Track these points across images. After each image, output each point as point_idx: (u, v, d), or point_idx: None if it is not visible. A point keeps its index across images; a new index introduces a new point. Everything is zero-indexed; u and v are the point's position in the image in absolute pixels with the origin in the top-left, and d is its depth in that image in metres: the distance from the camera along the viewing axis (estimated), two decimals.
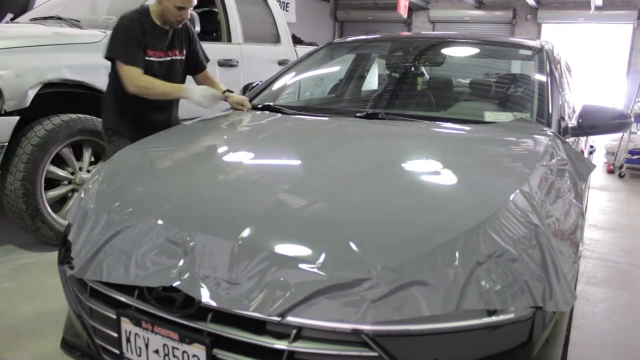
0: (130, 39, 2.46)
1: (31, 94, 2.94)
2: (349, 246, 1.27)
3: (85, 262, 1.48)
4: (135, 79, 2.45)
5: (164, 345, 1.34)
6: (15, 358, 2.09)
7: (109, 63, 3.37)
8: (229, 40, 4.45)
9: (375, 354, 1.17)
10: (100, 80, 3.30)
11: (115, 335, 1.43)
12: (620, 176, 6.46)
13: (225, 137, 2.19)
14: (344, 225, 1.36)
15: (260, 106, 2.57)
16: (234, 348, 1.26)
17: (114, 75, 2.58)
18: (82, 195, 1.77)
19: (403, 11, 9.70)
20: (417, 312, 1.16)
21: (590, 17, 11.28)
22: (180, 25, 2.62)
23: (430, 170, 1.71)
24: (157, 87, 2.49)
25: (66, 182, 3.28)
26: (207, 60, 2.88)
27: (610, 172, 6.69)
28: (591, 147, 3.80)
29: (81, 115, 3.23)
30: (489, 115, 2.29)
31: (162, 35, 2.57)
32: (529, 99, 2.44)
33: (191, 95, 2.49)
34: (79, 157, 3.33)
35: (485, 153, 1.89)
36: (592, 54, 11.93)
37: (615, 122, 2.18)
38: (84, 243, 1.54)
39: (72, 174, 3.28)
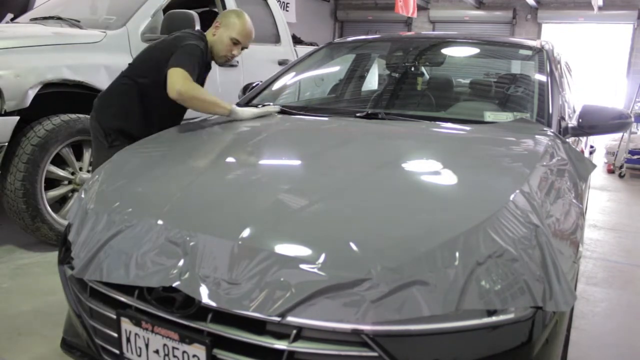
0: (199, 64, 2.33)
1: (31, 94, 2.94)
2: (349, 246, 1.26)
3: (85, 262, 1.48)
4: (188, 84, 2.22)
5: (164, 345, 1.34)
6: (15, 358, 2.09)
7: (109, 63, 3.38)
8: None
9: (375, 354, 1.17)
10: (100, 81, 3.31)
11: (115, 335, 1.43)
12: (620, 176, 6.46)
13: (225, 137, 2.19)
14: (344, 225, 1.36)
15: (260, 106, 2.57)
16: (234, 348, 1.26)
17: (152, 82, 2.37)
18: (83, 195, 1.77)
19: (403, 10, 9.65)
20: (417, 312, 1.16)
21: (590, 17, 11.29)
22: (224, 62, 2.55)
23: (430, 171, 1.71)
24: (206, 98, 2.27)
25: (66, 182, 3.28)
26: None
27: (610, 172, 6.69)
28: (591, 147, 3.80)
29: (81, 115, 3.23)
30: (489, 115, 2.29)
31: (204, 71, 2.48)
32: (529, 99, 2.44)
33: (243, 116, 2.33)
34: (79, 157, 3.33)
35: (485, 153, 1.89)
36: (592, 54, 11.93)
37: (615, 122, 2.18)
38: (84, 243, 1.54)
39: (72, 174, 3.28)
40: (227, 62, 2.55)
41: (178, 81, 2.20)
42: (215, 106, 2.27)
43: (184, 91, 2.19)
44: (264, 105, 2.54)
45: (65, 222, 2.50)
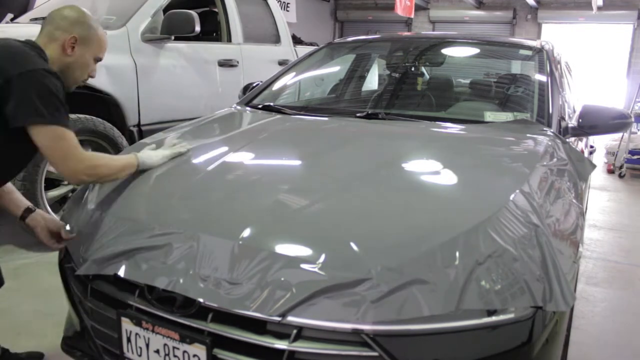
0: (63, 103, 1.60)
1: None
2: (349, 246, 1.27)
3: (84, 260, 1.48)
4: (91, 159, 1.63)
5: (165, 345, 1.34)
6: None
7: (109, 63, 3.32)
8: (229, 40, 4.45)
9: (375, 354, 1.17)
10: (100, 81, 3.31)
11: (116, 335, 1.43)
12: (620, 176, 6.46)
13: (225, 137, 2.19)
14: (344, 225, 1.36)
15: (260, 106, 2.57)
16: (234, 348, 1.26)
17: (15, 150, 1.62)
18: (84, 195, 1.78)
19: (401, 11, 9.64)
20: (417, 312, 1.16)
21: (590, 17, 11.28)
22: (74, 87, 1.79)
23: (430, 170, 1.71)
24: (113, 165, 1.67)
25: (66, 182, 3.28)
26: None
27: (610, 172, 6.69)
28: (591, 147, 3.80)
29: (81, 115, 3.23)
30: (489, 116, 2.29)
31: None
32: (529, 99, 2.44)
33: (151, 162, 1.77)
34: None
35: (485, 153, 1.89)
36: (592, 54, 11.93)
37: (615, 122, 2.18)
38: (84, 243, 1.54)
39: None
40: (82, 83, 1.82)
41: (78, 162, 1.56)
42: (123, 170, 1.69)
43: (92, 172, 1.59)
44: (264, 106, 2.54)
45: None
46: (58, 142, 1.55)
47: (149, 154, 1.79)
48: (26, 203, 1.84)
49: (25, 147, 1.60)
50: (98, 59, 1.80)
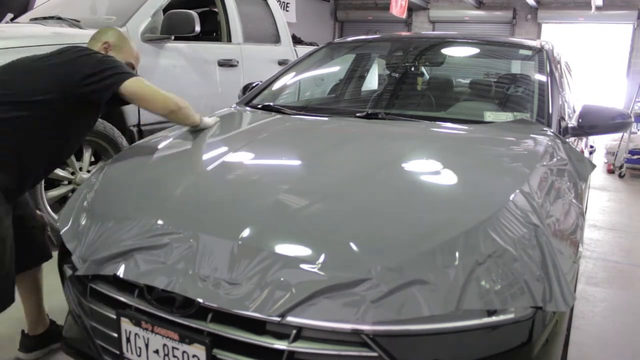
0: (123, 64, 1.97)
1: None
2: (349, 246, 1.27)
3: (84, 261, 1.48)
4: (173, 96, 1.98)
5: (164, 345, 1.34)
6: (16, 358, 2.09)
7: None
8: (229, 40, 4.45)
9: (375, 354, 1.17)
10: None
11: (115, 335, 1.43)
12: (620, 176, 6.46)
13: (225, 137, 2.19)
14: (344, 226, 1.36)
15: (260, 106, 2.57)
16: (234, 348, 1.26)
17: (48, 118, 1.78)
18: (83, 195, 1.77)
19: (396, 11, 9.64)
20: (417, 312, 1.16)
21: (590, 17, 11.28)
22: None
23: (430, 171, 1.71)
24: (189, 109, 2.07)
25: (66, 182, 3.28)
26: None
27: (610, 172, 6.69)
28: (591, 147, 3.80)
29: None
30: (489, 116, 2.29)
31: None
32: (529, 99, 2.44)
33: (207, 122, 2.19)
34: (79, 157, 3.33)
35: (485, 153, 1.89)
36: (592, 54, 11.93)
37: (615, 122, 2.18)
38: (83, 242, 1.54)
39: (72, 174, 3.28)
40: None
41: (160, 94, 1.93)
42: (193, 118, 2.09)
43: (179, 103, 2.00)
44: (264, 106, 2.54)
45: None
46: (146, 85, 1.91)
47: (207, 119, 2.20)
48: None
49: (88, 118, 1.95)
50: (129, 65, 2.13)
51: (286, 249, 1.29)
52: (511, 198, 1.43)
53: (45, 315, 2.18)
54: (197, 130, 2.23)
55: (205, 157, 1.89)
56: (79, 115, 1.86)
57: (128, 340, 1.40)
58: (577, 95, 3.68)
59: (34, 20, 3.83)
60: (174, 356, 1.33)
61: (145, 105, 1.93)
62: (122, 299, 1.41)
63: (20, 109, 1.72)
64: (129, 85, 1.84)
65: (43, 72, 1.80)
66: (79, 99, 1.81)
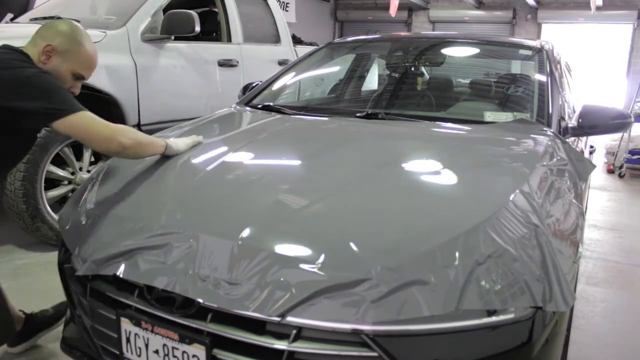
0: (66, 90, 1.66)
1: None
2: (349, 246, 1.27)
3: (84, 261, 1.48)
4: (124, 130, 1.67)
5: (164, 345, 1.34)
6: (15, 358, 2.09)
7: (109, 63, 3.30)
8: (229, 40, 4.45)
9: (375, 354, 1.17)
10: (100, 81, 3.31)
11: (115, 335, 1.42)
12: (620, 176, 6.46)
13: (225, 137, 2.19)
14: (344, 226, 1.36)
15: (260, 106, 2.57)
16: (233, 348, 1.26)
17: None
18: (83, 195, 1.77)
19: (392, 11, 9.71)
20: (417, 312, 1.16)
21: (590, 17, 11.28)
22: None
23: (430, 171, 1.71)
24: (144, 138, 1.74)
25: (66, 182, 3.28)
26: None
27: (610, 172, 6.69)
28: (591, 147, 3.80)
29: None
30: (489, 116, 2.29)
31: None
32: (529, 99, 2.44)
33: (177, 148, 1.86)
34: (79, 157, 3.33)
35: (485, 153, 1.89)
36: (592, 54, 11.93)
37: (615, 122, 2.18)
38: (83, 243, 1.54)
39: (72, 174, 3.28)
40: None
41: (114, 134, 1.61)
42: (152, 144, 1.77)
43: (130, 142, 1.65)
44: (264, 106, 2.54)
45: None
46: (89, 120, 1.59)
47: (174, 141, 1.86)
48: None
49: (21, 140, 1.68)
50: (79, 76, 1.74)
51: (286, 249, 1.29)
52: (511, 198, 1.43)
53: (16, 312, 2.09)
54: (196, 130, 2.23)
55: (205, 157, 1.89)
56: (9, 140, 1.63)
57: (128, 340, 1.40)
58: (577, 95, 3.68)
59: (34, 20, 3.83)
60: (174, 356, 1.33)
61: (89, 143, 1.68)
62: (122, 299, 1.41)
63: None
64: (62, 124, 1.55)
65: None
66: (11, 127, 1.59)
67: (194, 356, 1.29)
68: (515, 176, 1.61)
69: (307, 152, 1.93)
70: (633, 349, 2.43)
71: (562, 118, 2.25)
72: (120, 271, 1.39)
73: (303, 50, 5.01)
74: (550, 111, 2.21)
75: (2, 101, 1.50)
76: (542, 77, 2.46)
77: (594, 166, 2.10)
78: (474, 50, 3.02)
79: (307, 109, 2.60)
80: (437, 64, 3.18)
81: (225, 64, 4.29)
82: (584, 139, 2.82)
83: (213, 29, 4.69)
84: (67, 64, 1.69)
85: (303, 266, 1.23)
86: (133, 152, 1.69)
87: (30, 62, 1.62)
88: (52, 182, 3.25)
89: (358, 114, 2.31)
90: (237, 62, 4.39)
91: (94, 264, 1.45)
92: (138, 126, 3.65)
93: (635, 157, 6.50)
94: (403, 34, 6.64)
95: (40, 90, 1.54)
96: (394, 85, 2.90)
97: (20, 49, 1.66)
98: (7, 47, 1.64)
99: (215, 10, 4.69)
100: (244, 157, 1.89)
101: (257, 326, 1.23)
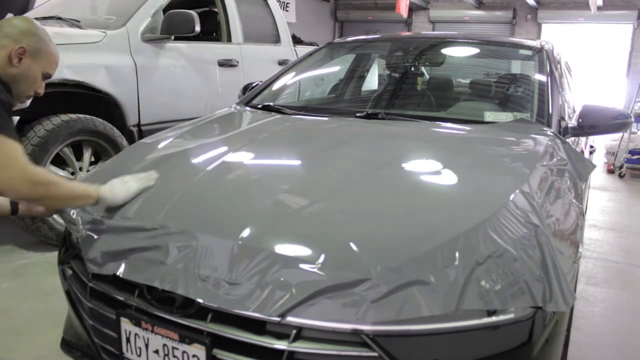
0: (7, 113, 1.48)
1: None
2: (349, 246, 1.27)
3: (84, 261, 1.48)
4: (39, 173, 1.44)
5: (164, 345, 1.34)
6: (15, 358, 2.09)
7: (109, 63, 3.31)
8: (229, 40, 4.45)
9: (375, 354, 1.17)
10: (100, 81, 3.31)
11: (115, 335, 1.42)
12: (620, 176, 6.46)
13: (225, 137, 2.19)
14: (344, 226, 1.36)
15: (260, 106, 2.57)
16: (234, 348, 1.26)
17: None
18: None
19: (404, 11, 9.69)
20: (417, 312, 1.16)
21: (590, 17, 11.29)
22: (24, 103, 1.66)
23: (430, 171, 1.71)
24: (65, 187, 1.52)
25: None
26: None
27: (610, 172, 6.69)
28: (591, 147, 3.80)
29: (81, 115, 3.22)
30: (489, 115, 2.29)
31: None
32: (529, 99, 2.44)
33: (113, 199, 1.56)
34: (79, 157, 3.33)
35: (485, 153, 1.89)
36: (592, 54, 11.93)
37: (615, 122, 2.18)
38: (83, 243, 1.54)
39: (72, 174, 3.28)
40: (28, 100, 1.70)
41: (19, 171, 1.38)
42: (75, 198, 1.54)
43: (32, 188, 1.41)
44: (264, 106, 2.54)
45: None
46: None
47: (114, 188, 1.57)
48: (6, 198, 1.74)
49: None
50: (47, 75, 1.66)
51: (286, 249, 1.29)
52: (511, 198, 1.43)
53: None
54: (196, 130, 2.24)
55: (206, 157, 1.89)
56: None
57: (128, 340, 1.40)
58: (577, 95, 3.68)
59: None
60: (174, 356, 1.33)
61: None
62: (122, 299, 1.41)
63: None
64: None
65: None
66: None
67: (194, 356, 1.29)
68: (515, 176, 1.61)
69: (307, 152, 1.93)
70: (633, 349, 2.43)
71: (562, 118, 2.25)
72: (121, 271, 1.39)
73: (303, 50, 5.01)
74: (550, 111, 2.21)
75: None
76: (542, 77, 2.46)
77: (594, 166, 2.10)
78: (474, 50, 3.02)
79: (307, 109, 2.60)
80: (437, 64, 3.18)
81: (225, 64, 4.29)
82: (584, 139, 2.82)
83: (213, 29, 4.69)
84: (38, 64, 1.60)
85: (303, 266, 1.23)
86: (42, 203, 1.56)
87: None
88: None
89: (358, 114, 2.31)
90: (237, 62, 4.39)
91: (94, 264, 1.45)
92: (138, 126, 3.66)
93: (635, 157, 6.50)
94: (403, 34, 6.64)
95: None
96: (394, 85, 2.90)
97: None
98: None
99: (215, 10, 4.69)
100: (244, 157, 1.89)
101: (257, 326, 1.23)
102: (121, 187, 1.58)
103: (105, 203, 1.55)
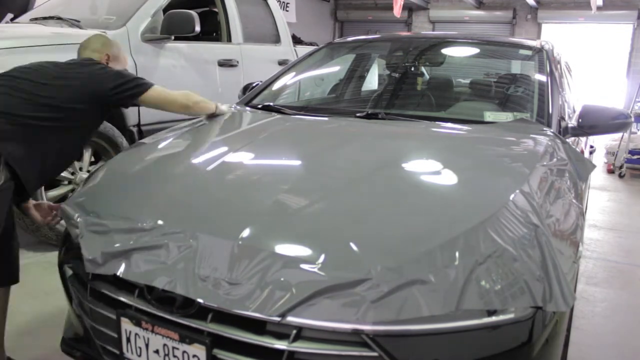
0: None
1: None
2: (349, 246, 1.27)
3: (84, 261, 1.48)
4: (188, 93, 2.21)
5: (164, 345, 1.34)
6: (15, 358, 2.09)
7: None
8: (229, 40, 4.45)
9: (375, 354, 1.17)
10: None
11: (115, 335, 1.43)
12: (620, 176, 6.46)
13: (225, 137, 2.19)
14: (344, 226, 1.36)
15: (260, 106, 2.57)
16: (234, 348, 1.26)
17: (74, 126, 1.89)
18: (82, 195, 1.77)
19: (396, 12, 9.70)
20: (417, 312, 1.16)
21: (590, 17, 11.28)
22: None
23: (430, 171, 1.71)
24: (202, 103, 2.28)
25: (66, 182, 3.28)
26: None
27: (610, 172, 6.69)
28: (591, 147, 3.80)
29: None
30: (489, 115, 2.29)
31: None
32: (529, 99, 2.44)
33: (224, 108, 2.40)
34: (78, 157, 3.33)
35: (485, 153, 1.89)
36: (592, 54, 11.93)
37: (615, 122, 2.18)
38: (83, 243, 1.54)
39: (72, 174, 3.28)
40: None
41: (182, 97, 2.15)
42: (206, 102, 2.30)
43: (196, 101, 2.22)
44: (264, 106, 2.54)
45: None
46: (162, 91, 2.07)
47: (219, 106, 2.36)
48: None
49: (99, 122, 2.11)
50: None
51: (286, 249, 1.29)
52: (511, 198, 1.43)
53: (3, 348, 1.98)
54: (196, 130, 2.23)
55: (206, 157, 1.89)
56: (96, 121, 2.05)
57: (128, 340, 1.40)
58: (577, 95, 3.68)
59: (34, 20, 3.83)
60: (174, 356, 1.33)
61: (164, 108, 2.14)
62: (122, 299, 1.41)
63: (59, 114, 1.82)
64: (149, 95, 2.03)
65: (76, 81, 1.89)
66: (104, 107, 1.98)
67: (194, 356, 1.29)
68: (515, 176, 1.61)
69: (307, 152, 1.93)
70: (633, 349, 2.43)
71: (562, 118, 2.25)
72: (121, 271, 1.39)
73: (303, 50, 5.01)
74: (550, 111, 2.21)
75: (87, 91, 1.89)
76: (542, 77, 2.46)
77: (594, 166, 2.10)
78: (474, 50, 3.02)
79: (307, 109, 2.60)
80: (437, 64, 3.18)
81: (225, 64, 4.29)
82: (584, 139, 2.82)
83: (213, 29, 4.70)
84: (118, 66, 2.16)
85: (303, 266, 1.23)
86: (199, 107, 2.25)
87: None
88: (52, 182, 3.24)
89: (358, 114, 2.31)
90: (237, 62, 4.39)
91: (94, 264, 1.45)
92: (138, 126, 3.66)
93: (635, 157, 6.50)
94: (403, 34, 6.64)
95: (128, 78, 2.00)
96: (394, 85, 2.90)
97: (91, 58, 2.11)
98: (92, 60, 2.08)
99: (215, 10, 4.69)
100: (244, 157, 1.89)
101: (257, 326, 1.23)
102: (224, 106, 2.41)
103: (219, 111, 2.36)
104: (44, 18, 3.76)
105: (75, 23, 3.58)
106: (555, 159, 1.82)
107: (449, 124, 2.16)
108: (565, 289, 1.24)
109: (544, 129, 2.08)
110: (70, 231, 1.66)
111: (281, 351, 1.20)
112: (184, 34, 3.69)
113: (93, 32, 3.41)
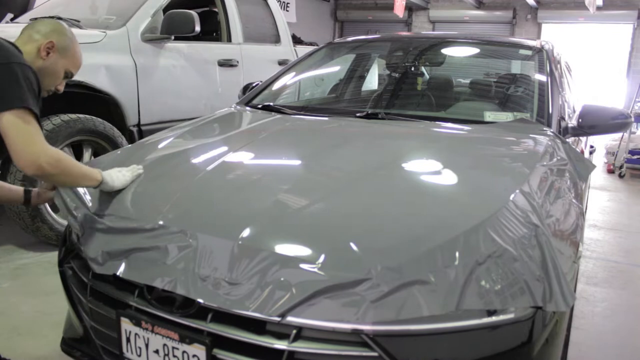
0: (36, 97, 1.56)
1: None
2: (349, 246, 1.27)
3: (91, 262, 1.48)
4: (57, 152, 1.53)
5: (164, 345, 1.34)
6: (15, 358, 2.09)
7: (109, 63, 3.28)
8: (229, 40, 4.45)
9: (375, 354, 1.17)
10: (100, 81, 3.31)
11: (115, 335, 1.43)
12: (620, 176, 6.46)
13: (225, 137, 2.19)
14: (344, 225, 1.36)
15: (260, 106, 2.57)
16: (234, 348, 1.26)
17: None
18: (83, 197, 1.77)
19: (399, 11, 9.69)
20: (417, 312, 1.16)
21: (590, 17, 11.28)
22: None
23: (430, 170, 1.71)
24: (76, 166, 1.60)
25: None
26: None
27: (610, 172, 6.69)
28: (591, 147, 3.80)
29: (81, 115, 3.23)
30: (489, 115, 2.29)
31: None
32: (529, 99, 2.44)
33: (112, 184, 1.65)
34: (79, 157, 3.33)
35: (485, 153, 1.89)
36: (592, 54, 11.93)
37: (615, 122, 2.18)
38: (83, 243, 1.54)
39: None
40: (46, 95, 1.74)
41: (35, 146, 1.45)
42: (84, 178, 1.60)
43: (52, 164, 1.47)
44: (264, 106, 2.54)
45: (65, 222, 2.49)
46: (25, 126, 1.46)
47: (112, 175, 1.66)
48: (20, 188, 1.89)
49: None
50: (69, 74, 1.77)
51: (286, 249, 1.29)
52: (511, 198, 1.43)
53: None
54: (196, 130, 2.23)
55: (206, 157, 1.89)
56: None
57: (128, 340, 1.40)
58: (577, 95, 3.68)
59: (34, 20, 3.83)
60: (174, 356, 1.33)
61: (10, 149, 1.46)
62: (122, 298, 1.41)
63: None
64: (4, 119, 1.44)
65: None
66: None
67: (194, 356, 1.29)
68: (515, 176, 1.61)
69: (307, 152, 1.93)
70: (633, 349, 2.43)
71: (562, 118, 2.25)
72: (121, 271, 1.39)
73: (303, 50, 5.01)
74: (550, 111, 2.21)
75: None
76: (542, 77, 2.46)
77: (594, 166, 2.10)
78: (474, 50, 3.02)
79: (307, 109, 2.60)
80: (437, 64, 3.18)
81: (225, 64, 4.29)
82: (584, 139, 2.82)
83: (213, 29, 4.69)
84: (63, 61, 1.72)
85: (303, 266, 1.23)
86: (55, 180, 1.61)
87: (19, 54, 1.58)
88: None
89: (358, 114, 2.31)
90: (237, 62, 4.39)
91: (94, 264, 1.45)
92: (138, 126, 3.66)
93: (635, 157, 6.50)
94: (403, 34, 6.64)
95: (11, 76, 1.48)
96: (394, 85, 2.90)
97: (13, 43, 1.62)
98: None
99: (215, 10, 4.69)
100: (244, 157, 1.89)
101: (257, 326, 1.23)
102: (118, 174, 1.68)
103: (105, 187, 1.65)
104: (44, 18, 3.76)
105: (75, 23, 3.58)
106: (555, 159, 1.82)
107: (449, 124, 2.16)
108: (565, 289, 1.24)
109: (544, 129, 2.08)
110: (72, 228, 1.66)
111: (281, 351, 1.20)
112: (184, 34, 3.69)
113: (93, 32, 3.44)
